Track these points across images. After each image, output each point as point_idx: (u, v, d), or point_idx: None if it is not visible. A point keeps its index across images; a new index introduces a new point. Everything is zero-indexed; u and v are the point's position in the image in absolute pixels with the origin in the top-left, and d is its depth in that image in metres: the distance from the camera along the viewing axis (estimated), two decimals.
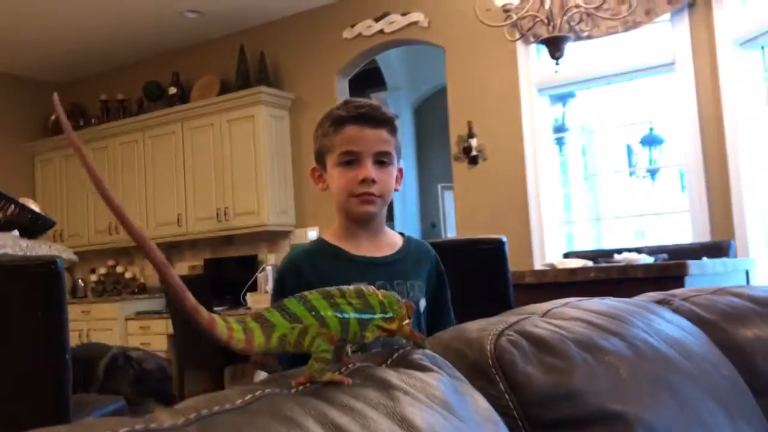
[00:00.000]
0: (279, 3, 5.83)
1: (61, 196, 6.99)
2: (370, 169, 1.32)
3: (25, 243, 2.58)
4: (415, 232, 11.04)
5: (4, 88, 7.04)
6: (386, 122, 1.36)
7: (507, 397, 0.71)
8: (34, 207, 2.91)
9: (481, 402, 0.64)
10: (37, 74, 7.21)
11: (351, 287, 0.73)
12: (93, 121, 6.98)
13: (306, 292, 0.72)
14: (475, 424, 0.58)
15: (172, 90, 6.35)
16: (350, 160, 1.33)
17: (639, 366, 0.84)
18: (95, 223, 6.73)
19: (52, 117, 7.28)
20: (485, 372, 0.72)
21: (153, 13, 5.85)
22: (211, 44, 6.28)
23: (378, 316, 0.73)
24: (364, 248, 1.37)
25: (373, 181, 1.32)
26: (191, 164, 6.13)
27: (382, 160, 1.34)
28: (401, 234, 1.47)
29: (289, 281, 1.34)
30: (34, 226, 2.87)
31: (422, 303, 1.38)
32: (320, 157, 1.41)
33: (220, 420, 0.44)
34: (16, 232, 2.70)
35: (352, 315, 0.70)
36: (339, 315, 0.69)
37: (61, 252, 2.75)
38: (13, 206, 2.79)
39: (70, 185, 6.95)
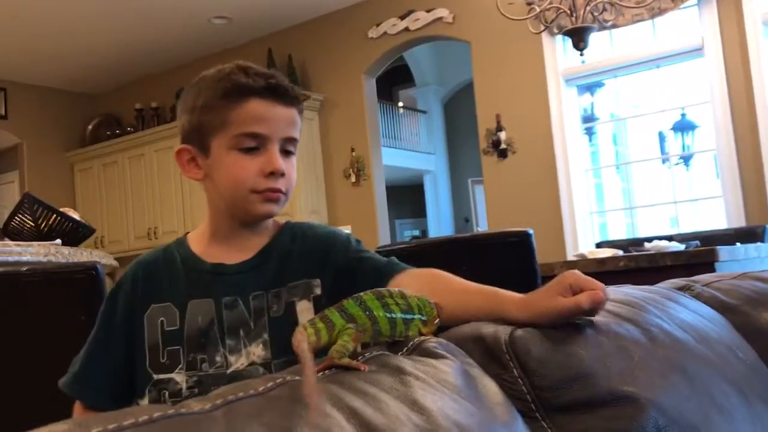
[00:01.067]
0: (304, 6, 5.89)
1: (101, 204, 7.18)
2: (279, 159, 1.03)
3: (67, 250, 2.68)
4: (448, 228, 11.06)
5: (43, 101, 7.25)
6: (298, 100, 1.08)
7: (520, 381, 0.75)
8: (75, 215, 3.01)
9: (492, 387, 0.68)
10: (74, 86, 7.41)
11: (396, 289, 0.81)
12: (129, 129, 7.14)
13: (361, 293, 0.77)
14: (486, 408, 0.62)
15: None
16: (253, 147, 1.03)
17: (652, 350, 0.87)
18: (135, 229, 6.89)
19: (89, 126, 7.47)
20: (499, 358, 0.76)
21: (182, 21, 5.97)
22: (240, 49, 6.38)
23: (417, 317, 0.80)
24: (224, 253, 1.08)
25: (282, 174, 1.04)
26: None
27: (288, 148, 1.07)
28: (284, 224, 1.16)
29: (125, 288, 1.09)
30: (75, 234, 2.97)
31: (302, 305, 1.05)
32: (197, 137, 1.05)
33: (244, 404, 0.48)
34: (58, 241, 2.80)
35: (399, 315, 0.77)
36: (388, 315, 0.76)
37: (102, 258, 2.84)
38: (54, 215, 2.89)
39: (108, 193, 7.13)
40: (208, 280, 1.06)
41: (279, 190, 1.04)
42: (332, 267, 1.06)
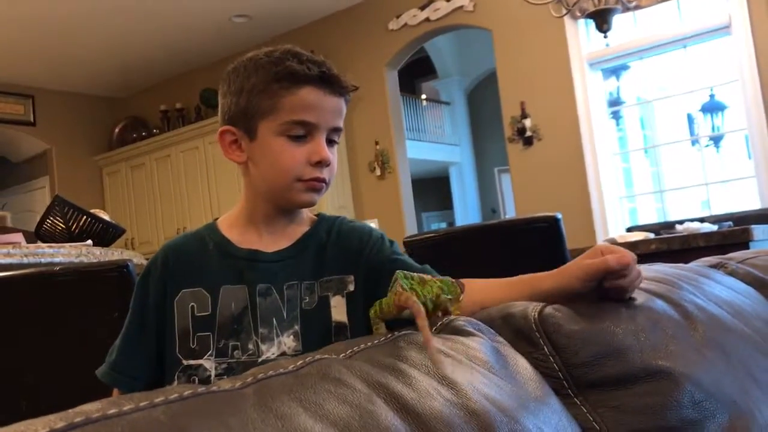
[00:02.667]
0: (324, 1, 5.90)
1: (129, 206, 7.27)
2: (325, 149, 1.02)
3: (98, 251, 2.72)
4: (475, 219, 11.01)
5: (70, 107, 7.36)
6: (347, 90, 1.07)
7: (551, 359, 0.74)
8: (105, 216, 3.05)
9: (524, 363, 0.67)
10: (100, 91, 7.51)
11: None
12: (154, 131, 7.22)
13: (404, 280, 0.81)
14: (516, 383, 0.62)
15: None
16: (301, 135, 1.02)
17: (686, 325, 0.85)
18: (164, 230, 6.97)
19: (116, 130, 7.57)
20: (529, 336, 0.75)
21: (202, 22, 6.01)
22: (261, 47, 6.39)
23: (447, 296, 0.81)
24: (258, 240, 1.07)
25: (327, 164, 1.03)
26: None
27: (333, 138, 1.06)
28: (317, 216, 1.14)
29: (155, 273, 1.07)
30: (106, 235, 3.01)
31: (335, 300, 1.04)
32: (244, 119, 1.04)
33: (274, 382, 0.48)
34: (89, 242, 2.84)
35: (443, 296, 0.80)
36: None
37: (132, 257, 2.88)
38: (85, 217, 2.93)
39: (137, 194, 7.23)
40: (243, 267, 1.04)
41: (323, 180, 1.04)
42: (366, 265, 1.05)
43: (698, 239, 2.53)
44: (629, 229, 3.91)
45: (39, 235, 2.94)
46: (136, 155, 7.26)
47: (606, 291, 0.84)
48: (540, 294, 0.88)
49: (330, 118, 1.04)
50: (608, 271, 0.82)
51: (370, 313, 0.83)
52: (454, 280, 0.84)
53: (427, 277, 0.83)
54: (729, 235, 2.48)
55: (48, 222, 2.92)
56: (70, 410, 0.41)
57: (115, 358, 1.08)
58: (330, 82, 1.03)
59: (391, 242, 1.11)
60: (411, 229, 5.85)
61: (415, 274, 0.82)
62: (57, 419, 0.39)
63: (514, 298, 0.88)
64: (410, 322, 0.73)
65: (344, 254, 1.06)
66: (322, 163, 1.02)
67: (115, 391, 1.09)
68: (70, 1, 5.35)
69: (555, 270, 0.88)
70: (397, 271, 0.81)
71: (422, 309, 0.67)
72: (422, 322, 0.63)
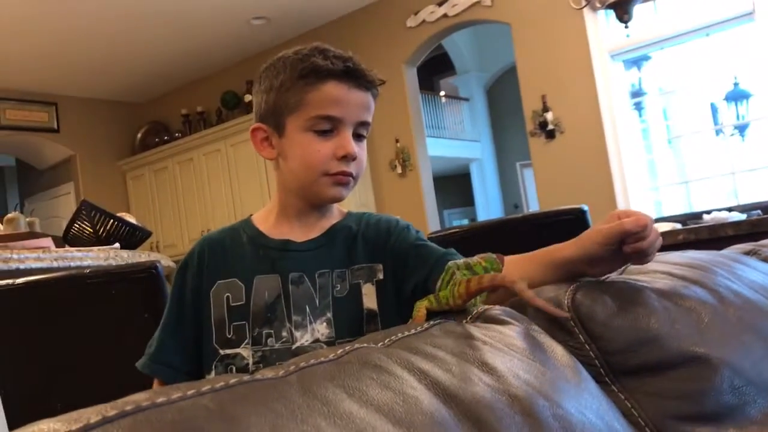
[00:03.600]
0: (341, 0, 5.91)
1: (154, 210, 7.34)
2: (351, 143, 1.04)
3: (126, 254, 2.75)
4: (497, 215, 10.97)
5: (95, 112, 7.45)
6: (373, 84, 1.09)
7: (587, 347, 0.74)
8: (131, 219, 3.08)
9: (560, 350, 0.67)
10: (122, 96, 7.59)
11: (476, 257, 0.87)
12: (176, 135, 7.28)
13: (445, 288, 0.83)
14: (555, 369, 0.61)
15: (248, 97, 6.56)
16: (327, 129, 1.03)
17: (722, 311, 0.85)
18: (188, 232, 7.03)
19: (138, 134, 7.65)
20: (564, 325, 0.75)
21: (221, 25, 6.05)
22: (280, 48, 6.32)
23: (493, 272, 0.84)
24: (290, 231, 1.10)
25: (353, 158, 1.05)
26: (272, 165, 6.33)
27: (360, 132, 1.07)
28: (347, 212, 1.17)
29: (192, 265, 1.11)
30: (132, 238, 3.04)
31: (366, 288, 1.06)
32: (273, 116, 1.06)
33: (316, 370, 0.49)
34: (117, 245, 2.87)
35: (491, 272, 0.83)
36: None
37: (160, 259, 2.90)
38: (111, 220, 2.96)
39: (161, 198, 7.29)
40: (275, 256, 1.07)
41: (350, 174, 1.05)
42: (392, 252, 1.07)
43: (727, 228, 2.50)
44: (655, 221, 3.87)
45: (67, 239, 2.98)
46: (159, 159, 7.33)
47: (627, 255, 0.85)
48: (561, 262, 0.90)
49: (356, 113, 1.05)
50: (626, 233, 0.83)
51: (422, 305, 0.82)
52: (494, 255, 0.87)
53: (473, 260, 0.85)
54: (758, 224, 2.44)
55: (75, 226, 2.96)
56: (119, 400, 0.42)
57: (155, 349, 1.10)
58: (355, 77, 1.04)
59: (417, 231, 1.13)
60: (433, 226, 5.85)
61: (460, 261, 0.85)
62: (108, 408, 0.39)
63: (538, 270, 0.90)
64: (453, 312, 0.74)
65: (373, 243, 1.09)
66: (348, 157, 1.03)
67: (156, 382, 1.11)
68: (90, 10, 5.41)
69: (574, 239, 0.89)
70: (448, 263, 0.84)
71: (524, 286, 0.72)
72: (528, 294, 0.72)
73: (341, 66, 1.03)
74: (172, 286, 1.12)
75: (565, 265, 0.89)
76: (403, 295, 1.04)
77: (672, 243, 2.59)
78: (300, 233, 1.09)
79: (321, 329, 1.02)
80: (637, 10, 3.73)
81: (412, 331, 0.61)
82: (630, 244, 0.83)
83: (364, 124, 1.07)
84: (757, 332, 0.85)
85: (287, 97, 1.04)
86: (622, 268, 0.93)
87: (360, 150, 1.06)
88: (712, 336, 0.79)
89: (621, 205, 4.87)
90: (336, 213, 1.14)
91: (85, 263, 2.55)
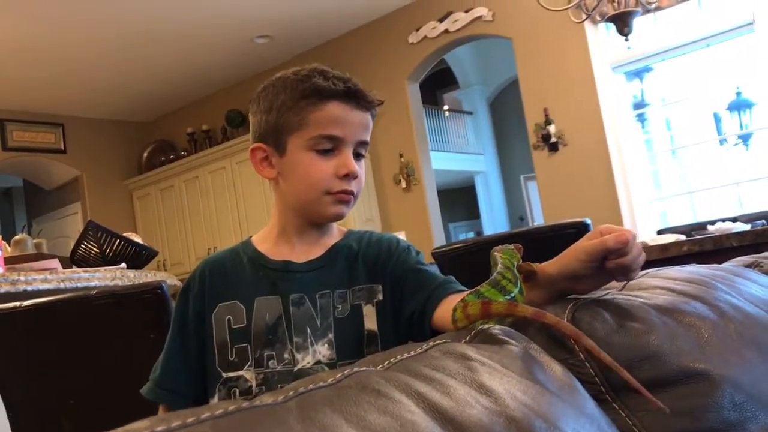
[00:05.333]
0: (343, 18, 5.95)
1: (160, 228, 7.37)
2: (353, 162, 1.05)
3: (132, 274, 2.76)
4: (503, 228, 10.96)
5: (99, 133, 7.51)
6: (373, 105, 1.10)
7: (588, 365, 0.74)
8: (137, 239, 3.10)
9: (559, 369, 0.67)
10: (127, 116, 7.65)
11: (499, 265, 0.87)
12: (182, 153, 7.33)
13: (480, 287, 0.83)
14: (554, 390, 0.62)
15: None
16: (329, 149, 1.05)
17: (722, 326, 0.85)
18: (195, 250, 7.05)
19: (144, 154, 7.70)
20: (563, 342, 0.75)
21: (225, 44, 6.10)
22: (284, 66, 6.38)
23: (519, 280, 0.87)
24: (290, 252, 1.10)
25: (355, 177, 1.06)
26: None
27: (360, 151, 1.09)
28: (347, 231, 1.18)
29: (193, 288, 1.11)
30: (138, 257, 3.06)
31: (366, 309, 1.06)
32: (274, 135, 1.07)
33: (315, 395, 0.49)
34: (123, 265, 2.89)
35: (515, 291, 0.84)
36: (507, 297, 0.82)
37: (166, 279, 2.91)
38: (118, 240, 2.98)
39: (167, 216, 7.32)
40: (276, 278, 1.07)
41: (351, 192, 1.06)
42: (392, 274, 1.07)
43: (731, 239, 2.49)
44: (660, 232, 3.87)
45: (74, 260, 3.00)
46: (165, 178, 7.37)
47: (611, 271, 0.85)
48: (546, 281, 0.90)
49: (356, 132, 1.07)
50: (607, 250, 0.83)
51: (463, 312, 0.80)
52: (510, 247, 0.90)
53: (497, 255, 0.88)
54: (762, 234, 2.44)
55: (82, 247, 2.98)
56: (119, 428, 0.43)
57: (158, 374, 1.11)
58: (355, 97, 1.06)
59: (417, 252, 1.12)
60: (439, 240, 5.85)
61: (498, 263, 0.88)
62: None
63: (523, 290, 0.90)
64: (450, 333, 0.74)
65: (373, 264, 1.09)
66: (349, 176, 1.05)
67: (162, 408, 1.11)
68: (95, 31, 5.46)
69: (557, 256, 0.90)
70: (492, 281, 0.84)
71: (554, 318, 0.74)
72: (551, 320, 0.73)
73: (342, 87, 1.05)
74: (174, 310, 1.13)
75: (551, 284, 0.89)
76: (401, 318, 1.04)
77: (677, 255, 2.58)
78: (300, 252, 1.10)
79: (322, 351, 1.02)
80: (638, 22, 3.75)
81: (411, 353, 0.62)
82: (612, 260, 0.83)
83: (363, 143, 1.09)
84: (758, 347, 0.86)
85: (288, 117, 1.05)
86: (623, 284, 0.93)
87: (360, 169, 1.08)
88: (712, 352, 0.79)
89: (626, 217, 4.87)
90: (336, 232, 1.15)
91: (92, 284, 2.57)
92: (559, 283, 0.88)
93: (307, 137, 1.04)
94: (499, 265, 0.87)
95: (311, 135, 1.04)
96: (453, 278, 1.06)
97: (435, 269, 1.10)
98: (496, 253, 0.91)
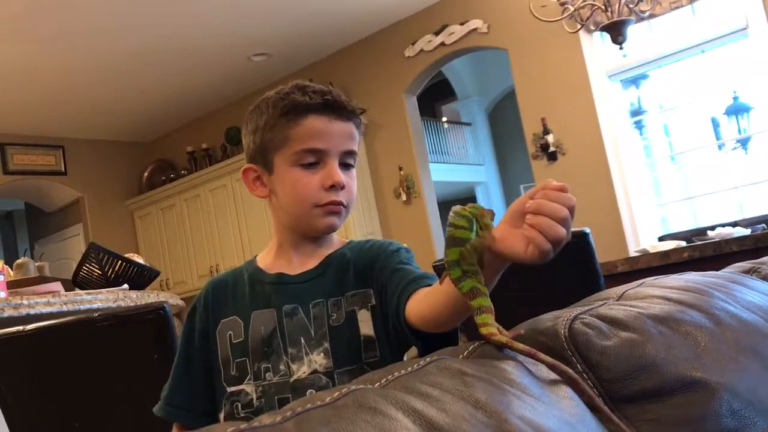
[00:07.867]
0: (340, 34, 5.99)
1: (162, 247, 7.38)
2: (338, 172, 1.06)
3: (135, 294, 2.77)
4: None
5: (101, 153, 7.54)
6: (354, 114, 1.11)
7: (585, 376, 0.75)
8: (139, 260, 3.11)
9: (555, 383, 0.68)
10: (127, 136, 7.68)
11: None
12: (182, 172, 7.35)
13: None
14: (551, 403, 0.62)
15: None
16: (313, 162, 1.06)
17: (719, 334, 0.85)
18: (197, 269, 7.05)
19: (145, 173, 7.72)
20: (560, 355, 0.76)
21: (222, 62, 6.13)
22: (282, 83, 6.47)
23: (474, 225, 0.84)
24: (287, 265, 1.12)
25: (342, 187, 1.07)
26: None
27: (347, 161, 1.09)
28: (347, 241, 1.18)
29: (199, 308, 1.14)
30: (141, 278, 3.07)
31: (362, 315, 1.05)
32: (261, 155, 1.10)
33: (313, 414, 0.50)
34: (125, 286, 2.90)
35: (471, 236, 0.82)
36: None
37: (169, 299, 2.92)
38: (120, 262, 2.99)
39: (169, 236, 7.33)
40: (270, 291, 1.09)
41: (340, 203, 1.07)
42: (378, 277, 1.07)
43: (731, 244, 2.50)
44: (661, 238, 3.87)
45: (76, 282, 3.01)
46: (166, 197, 7.39)
47: (533, 226, 0.76)
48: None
49: (339, 143, 1.08)
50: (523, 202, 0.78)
51: (453, 258, 0.77)
52: (480, 207, 0.86)
53: (461, 210, 0.83)
54: (762, 238, 2.45)
55: (84, 269, 2.99)
56: None
57: (168, 392, 1.13)
58: (334, 108, 1.08)
59: (407, 250, 1.11)
60: (440, 252, 5.85)
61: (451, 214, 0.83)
62: None
63: (449, 293, 0.83)
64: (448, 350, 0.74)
65: (363, 268, 1.09)
66: (336, 186, 1.06)
67: (175, 427, 1.13)
68: (93, 52, 5.50)
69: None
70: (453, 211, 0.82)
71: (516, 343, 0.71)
72: (518, 347, 0.70)
73: (319, 99, 1.07)
74: (182, 330, 1.15)
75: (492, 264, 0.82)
76: (388, 320, 1.03)
77: (678, 261, 2.59)
78: (297, 265, 1.11)
79: (318, 360, 1.03)
80: (632, 30, 3.77)
81: (408, 369, 0.63)
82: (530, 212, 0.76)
83: (349, 153, 1.10)
84: (755, 354, 0.86)
85: (272, 136, 1.08)
86: (619, 294, 0.94)
87: (349, 179, 1.09)
88: (709, 360, 0.79)
89: (627, 224, 4.87)
90: (336, 242, 1.16)
91: (95, 306, 2.57)
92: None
93: (291, 153, 1.06)
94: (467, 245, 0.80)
95: (294, 150, 1.06)
96: (431, 274, 1.04)
97: (412, 267, 1.07)
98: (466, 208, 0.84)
